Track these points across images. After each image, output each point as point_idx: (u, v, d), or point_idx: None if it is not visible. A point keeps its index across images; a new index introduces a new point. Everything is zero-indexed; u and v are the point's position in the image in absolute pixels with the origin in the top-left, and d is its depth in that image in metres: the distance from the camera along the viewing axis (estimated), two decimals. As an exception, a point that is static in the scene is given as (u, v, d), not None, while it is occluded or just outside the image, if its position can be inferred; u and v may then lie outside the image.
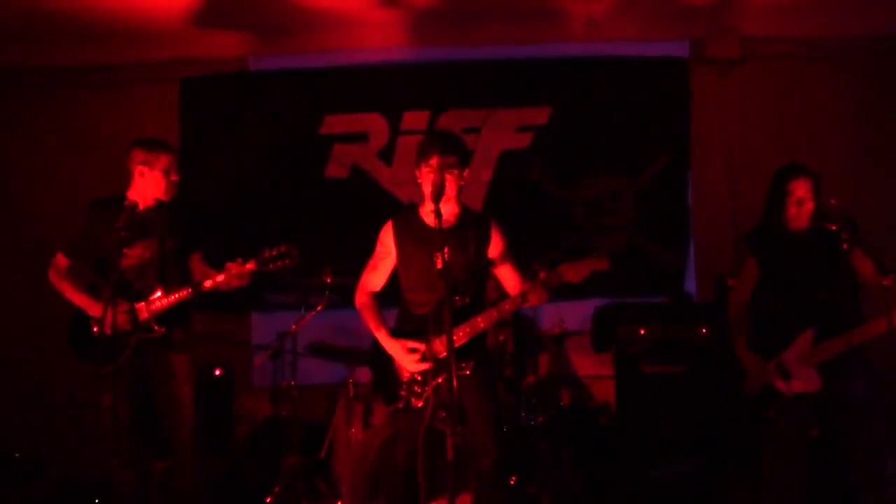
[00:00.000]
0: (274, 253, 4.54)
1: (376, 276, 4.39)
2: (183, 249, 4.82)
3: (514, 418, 5.88)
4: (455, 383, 3.57)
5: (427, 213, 4.23)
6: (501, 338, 6.03)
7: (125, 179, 4.81)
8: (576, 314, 6.73)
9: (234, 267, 4.57)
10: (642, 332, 5.97)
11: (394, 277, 4.43)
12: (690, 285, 7.14)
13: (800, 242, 4.67)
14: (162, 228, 4.75)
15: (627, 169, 7.22)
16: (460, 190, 4.22)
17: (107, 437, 4.51)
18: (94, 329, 4.62)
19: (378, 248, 4.37)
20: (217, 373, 6.25)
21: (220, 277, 4.58)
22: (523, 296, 4.09)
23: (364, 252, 4.51)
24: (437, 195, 3.99)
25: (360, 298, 4.40)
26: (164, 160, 4.74)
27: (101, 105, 7.24)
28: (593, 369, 6.94)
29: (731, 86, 7.24)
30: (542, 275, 4.05)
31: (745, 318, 4.83)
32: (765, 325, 4.74)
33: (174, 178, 4.77)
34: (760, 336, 4.75)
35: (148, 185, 4.75)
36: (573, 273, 4.04)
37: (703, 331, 5.89)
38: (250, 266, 4.55)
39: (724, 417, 5.65)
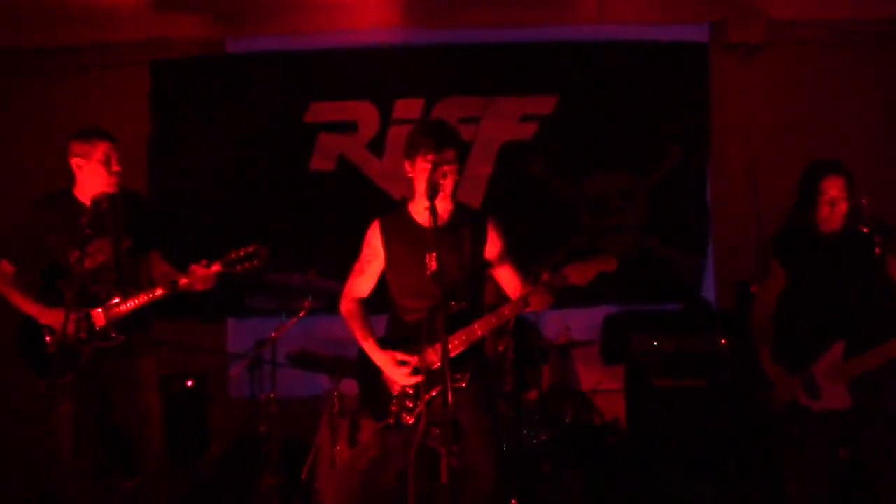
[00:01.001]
0: (241, 254, 4.52)
1: (363, 282, 4.37)
2: (139, 248, 4.78)
3: (515, 436, 5.84)
4: (450, 397, 3.52)
5: (418, 211, 4.21)
6: (501, 347, 6.01)
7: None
8: (583, 322, 6.72)
9: (198, 270, 4.54)
10: (656, 342, 5.97)
11: (382, 282, 4.40)
12: (709, 292, 7.13)
13: (831, 246, 4.64)
14: (116, 225, 4.71)
15: (640, 164, 7.21)
16: (457, 186, 4.19)
17: (61, 453, 4.47)
18: (48, 338, 4.59)
19: (364, 251, 4.35)
20: (189, 384, 6.21)
21: (184, 281, 4.55)
22: (524, 300, 4.07)
23: (351, 252, 4.48)
24: (433, 192, 3.97)
25: (346, 305, 4.38)
26: (100, 149, 4.69)
27: (62, 91, 7.16)
28: (602, 383, 6.92)
29: (754, 73, 7.23)
30: (544, 276, 4.04)
31: (769, 328, 4.80)
32: (791, 337, 4.72)
33: (115, 167, 4.72)
34: (786, 348, 4.73)
35: (87, 179, 4.70)
36: (579, 274, 4.02)
37: (723, 342, 5.89)
38: (216, 268, 4.52)
39: (744, 437, 5.64)
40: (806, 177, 4.71)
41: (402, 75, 7.25)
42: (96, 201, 4.57)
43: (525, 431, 5.93)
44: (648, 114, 7.17)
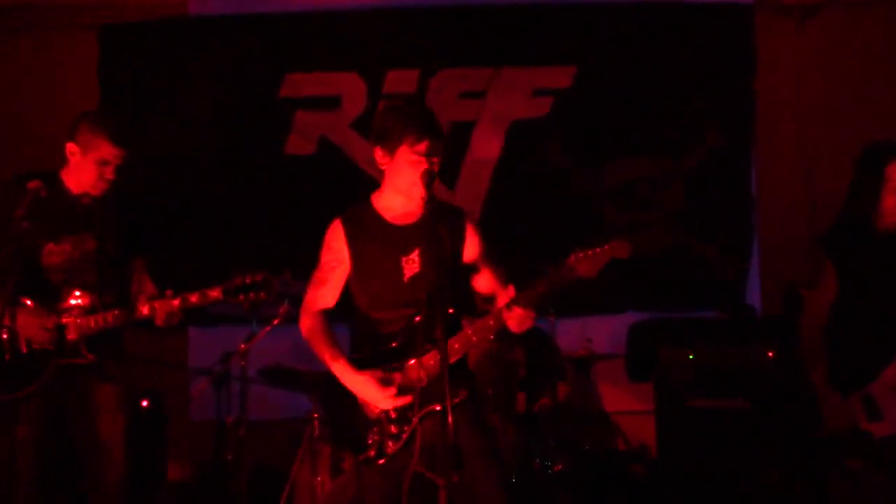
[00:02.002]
0: (248, 281, 4.52)
1: (326, 292, 4.31)
2: (125, 253, 4.80)
3: (526, 465, 5.86)
4: (450, 418, 3.53)
5: (387, 206, 4.20)
6: (510, 360, 6.02)
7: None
8: (606, 332, 6.75)
9: (160, 305, 4.55)
10: (691, 355, 5.97)
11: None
12: (753, 297, 7.15)
13: (894, 244, 4.65)
14: (103, 222, 4.72)
15: (673, 147, 7.24)
16: (457, 174, 4.22)
17: (15, 482, 4.49)
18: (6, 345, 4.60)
19: (325, 256, 4.30)
20: (144, 403, 6.23)
21: (145, 310, 4.56)
22: (531, 293, 4.02)
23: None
24: (430, 185, 3.99)
25: (307, 322, 4.31)
26: (103, 150, 4.66)
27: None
28: (627, 403, 6.95)
29: (807, 40, 7.25)
30: (550, 271, 4.03)
31: (821, 341, 4.81)
32: (848, 350, 4.72)
33: (110, 176, 4.70)
34: (842, 363, 4.73)
35: (76, 170, 4.71)
36: (587, 264, 4.00)
37: (770, 355, 5.89)
38: (214, 294, 4.53)
39: (794, 466, 5.65)
40: (865, 161, 4.70)
41: (394, 42, 7.27)
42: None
43: (537, 460, 5.94)
44: (683, 88, 7.20)
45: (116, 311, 4.61)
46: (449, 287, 4.12)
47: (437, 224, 4.13)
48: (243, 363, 5.89)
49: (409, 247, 4.03)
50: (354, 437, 4.16)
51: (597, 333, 6.65)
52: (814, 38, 7.25)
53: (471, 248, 4.24)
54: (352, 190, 7.04)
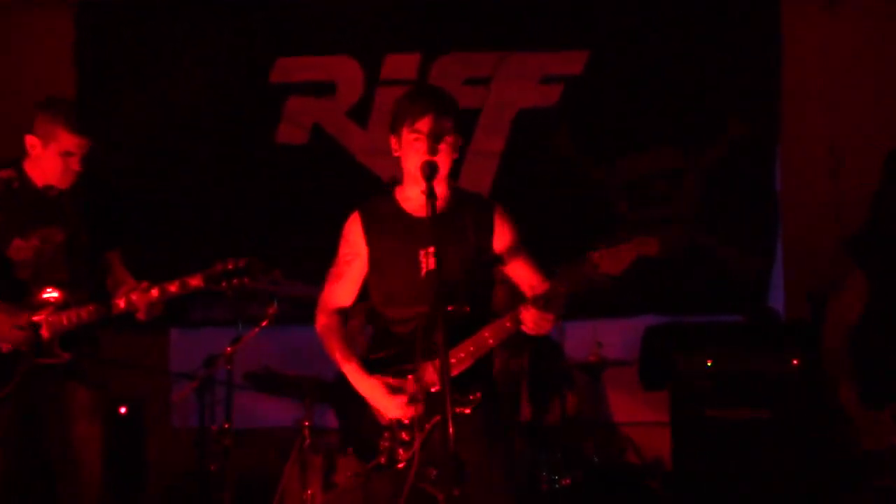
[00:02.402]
0: (230, 267, 4.49)
1: (343, 288, 4.34)
2: (99, 245, 4.78)
3: (532, 479, 5.86)
4: (451, 428, 3.51)
5: (408, 197, 4.20)
6: (516, 368, 6.01)
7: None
8: (618, 337, 6.73)
9: (137, 297, 4.53)
10: (710, 362, 5.96)
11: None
12: (776, 300, 7.14)
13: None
14: (73, 213, 4.70)
15: (691, 139, 7.22)
16: (452, 165, 4.19)
17: None
18: None
19: (342, 249, 4.32)
20: (122, 410, 6.22)
21: (122, 303, 4.54)
22: (551, 291, 4.01)
23: (327, 248, 4.44)
24: (431, 172, 3.96)
25: (322, 319, 4.34)
26: (64, 142, 4.64)
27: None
28: (640, 413, 6.94)
29: (839, 25, 7.21)
30: (569, 268, 4.00)
31: (846, 351, 4.80)
32: (877, 360, 4.72)
33: (76, 167, 4.68)
34: (871, 374, 4.72)
35: (39, 163, 4.69)
36: (612, 261, 3.96)
37: (794, 362, 5.88)
38: (195, 282, 4.51)
39: (821, 483, 5.63)
40: (891, 165, 4.70)
41: (393, 24, 7.26)
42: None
43: (544, 473, 5.93)
44: (703, 75, 7.17)
45: (91, 307, 4.59)
46: (467, 284, 4.12)
47: (462, 216, 4.14)
48: (229, 367, 5.86)
49: (429, 240, 3.98)
50: (365, 441, 4.16)
51: (608, 338, 6.61)
52: (845, 23, 7.21)
53: (501, 239, 4.22)
54: (347, 182, 7.08)
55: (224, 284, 4.47)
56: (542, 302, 3.92)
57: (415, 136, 4.04)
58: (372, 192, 4.44)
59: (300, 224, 7.04)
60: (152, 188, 7.11)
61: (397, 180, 4.33)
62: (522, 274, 4.27)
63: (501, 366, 6.00)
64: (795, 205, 7.20)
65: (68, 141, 4.59)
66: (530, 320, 3.94)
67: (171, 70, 7.21)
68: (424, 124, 4.04)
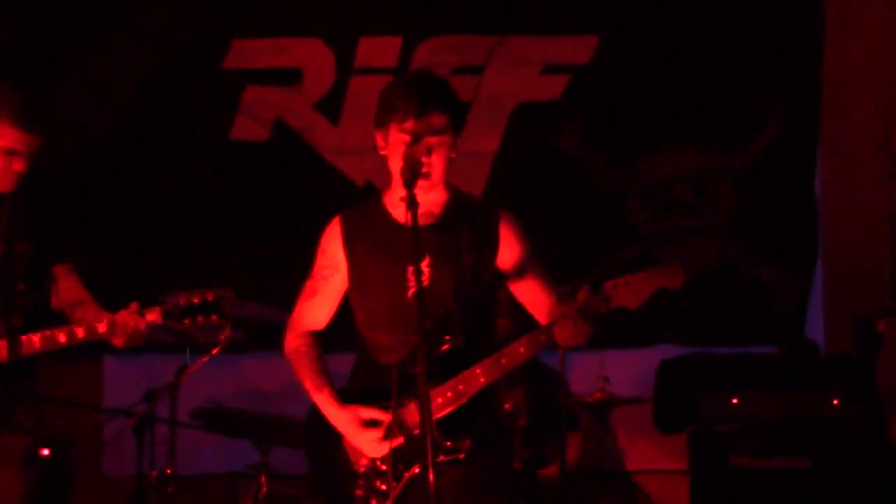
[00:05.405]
0: (195, 301, 4.49)
1: (317, 307, 4.35)
2: (42, 258, 4.77)
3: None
4: (431, 476, 3.52)
5: (397, 203, 4.21)
6: (508, 406, 6.02)
7: None
8: (629, 370, 6.76)
9: (126, 318, 4.52)
10: (736, 401, 5.97)
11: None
12: (815, 329, 7.17)
13: None
14: (12, 223, 4.70)
15: (720, 138, 7.28)
16: (450, 166, 4.20)
17: None
18: None
19: (319, 262, 4.34)
20: (44, 453, 6.21)
21: (102, 328, 4.53)
22: (548, 332, 4.05)
23: (290, 263, 4.48)
24: (413, 176, 3.97)
25: (293, 342, 4.36)
26: (8, 137, 4.65)
27: None
28: (654, 460, 6.97)
29: (891, 8, 7.24)
30: (580, 296, 4.02)
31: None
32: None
33: (18, 166, 4.67)
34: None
35: None
36: (629, 293, 3.98)
37: (835, 402, 5.89)
38: (151, 318, 4.50)
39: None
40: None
41: (370, 2, 7.29)
42: None
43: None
44: (733, 65, 7.23)
45: (48, 332, 4.57)
46: (463, 310, 4.13)
47: (459, 226, 4.15)
48: (172, 402, 5.88)
49: (420, 254, 3.97)
50: (336, 489, 4.18)
51: (618, 372, 6.62)
52: (897, 5, 7.28)
53: (508, 253, 4.22)
54: (313, 186, 7.10)
55: (187, 322, 4.47)
56: (582, 315, 3.90)
57: (402, 135, 4.06)
58: (344, 198, 4.47)
59: (257, 235, 7.04)
60: (79, 192, 7.10)
61: (373, 184, 4.34)
62: (533, 293, 4.27)
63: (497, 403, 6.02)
64: (839, 216, 7.23)
65: (13, 137, 4.57)
66: (567, 330, 3.93)
67: (109, 55, 7.22)
68: (411, 122, 4.05)
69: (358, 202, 4.35)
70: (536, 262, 4.28)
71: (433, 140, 4.07)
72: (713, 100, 7.25)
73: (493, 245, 4.21)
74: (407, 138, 4.05)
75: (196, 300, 4.46)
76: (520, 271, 4.24)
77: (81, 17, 7.24)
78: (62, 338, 4.52)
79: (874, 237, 7.11)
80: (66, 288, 4.77)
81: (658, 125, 7.29)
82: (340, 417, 4.16)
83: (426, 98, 4.09)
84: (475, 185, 7.07)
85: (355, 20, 7.29)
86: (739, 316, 7.11)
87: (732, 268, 7.20)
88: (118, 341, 4.53)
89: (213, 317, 4.46)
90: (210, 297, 4.47)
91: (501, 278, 4.27)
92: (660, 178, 7.28)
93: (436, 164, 4.07)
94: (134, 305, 4.49)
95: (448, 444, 4.05)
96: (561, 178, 7.26)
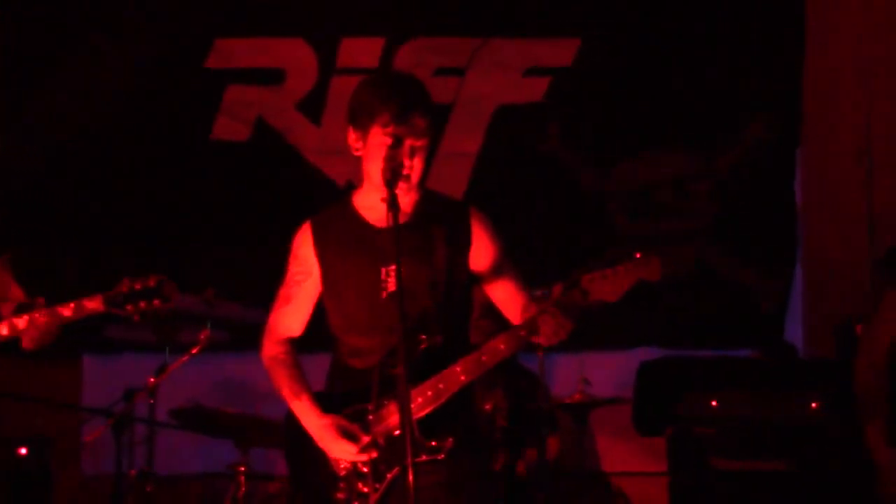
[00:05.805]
0: (137, 287, 4.46)
1: (292, 312, 4.34)
2: None
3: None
4: (411, 477, 3.53)
5: (368, 205, 4.20)
6: (488, 407, 6.02)
7: None
8: (609, 372, 6.76)
9: (38, 317, 4.49)
10: (715, 404, 5.98)
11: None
12: (794, 332, 7.19)
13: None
14: None
15: (700, 142, 7.29)
16: (427, 169, 4.20)
17: None
18: None
19: (291, 267, 4.32)
20: (22, 452, 6.20)
21: (21, 324, 4.50)
22: (529, 327, 4.05)
23: (270, 264, 4.46)
24: (395, 178, 3.97)
25: (270, 349, 4.35)
26: None
27: None
28: (634, 462, 6.99)
29: (874, 4, 7.26)
30: (556, 290, 4.01)
31: (880, 389, 4.84)
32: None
33: None
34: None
35: None
36: (606, 286, 3.98)
37: (814, 405, 5.91)
38: (93, 305, 4.47)
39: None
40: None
41: (353, 2, 7.28)
42: None
43: (519, 532, 5.95)
44: (713, 66, 7.24)
45: None
46: (439, 309, 4.13)
47: (432, 226, 4.14)
48: (151, 402, 5.89)
49: (392, 255, 3.96)
50: (316, 492, 4.17)
51: (597, 373, 6.64)
52: (879, 8, 7.26)
53: (481, 252, 4.22)
54: (295, 186, 7.09)
55: (130, 308, 4.43)
56: (561, 309, 3.89)
57: (383, 137, 4.05)
58: (324, 198, 4.46)
59: (239, 236, 7.03)
60: (64, 190, 7.11)
61: (353, 185, 4.34)
62: (506, 292, 4.28)
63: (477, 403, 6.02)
64: (818, 220, 7.24)
65: None
66: (549, 326, 3.90)
67: (89, 54, 7.20)
68: (393, 125, 4.04)
69: (327, 207, 4.33)
70: (508, 260, 4.29)
71: (416, 143, 4.07)
72: (694, 103, 7.26)
73: (465, 242, 4.20)
74: (388, 140, 4.05)
75: (138, 286, 4.41)
76: (493, 269, 4.25)
77: (63, 17, 7.22)
78: None
79: (854, 241, 7.10)
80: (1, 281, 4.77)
81: (639, 128, 7.30)
82: (317, 425, 4.15)
83: (409, 100, 4.09)
84: (456, 186, 7.08)
85: (338, 21, 7.29)
86: (719, 319, 7.12)
87: (712, 271, 7.21)
88: (24, 343, 4.49)
89: (156, 301, 4.41)
90: (152, 283, 4.41)
91: (475, 278, 4.27)
92: (640, 180, 7.28)
93: (416, 166, 4.07)
94: (40, 300, 4.46)
95: (432, 443, 4.06)
96: (542, 179, 7.26)
